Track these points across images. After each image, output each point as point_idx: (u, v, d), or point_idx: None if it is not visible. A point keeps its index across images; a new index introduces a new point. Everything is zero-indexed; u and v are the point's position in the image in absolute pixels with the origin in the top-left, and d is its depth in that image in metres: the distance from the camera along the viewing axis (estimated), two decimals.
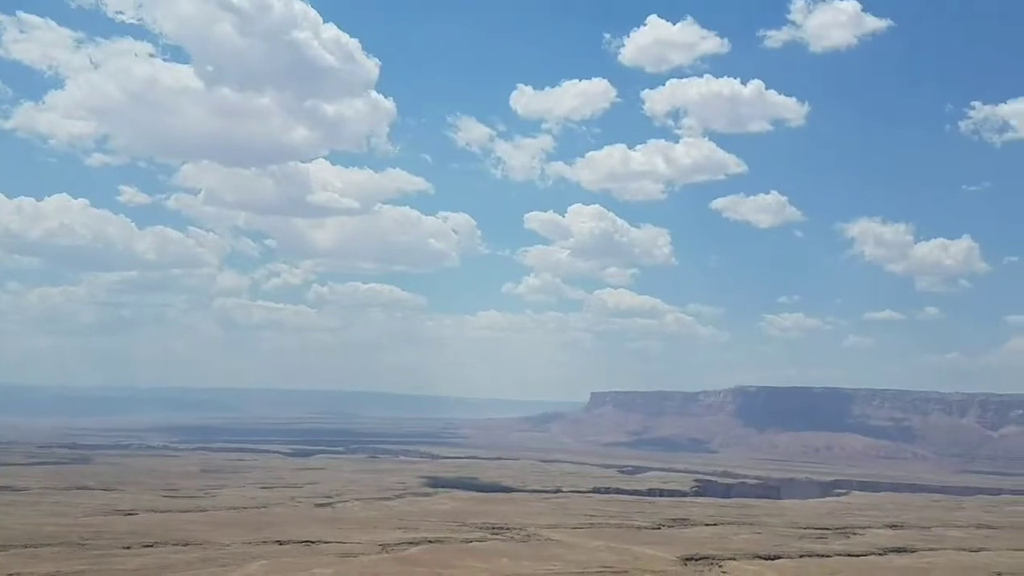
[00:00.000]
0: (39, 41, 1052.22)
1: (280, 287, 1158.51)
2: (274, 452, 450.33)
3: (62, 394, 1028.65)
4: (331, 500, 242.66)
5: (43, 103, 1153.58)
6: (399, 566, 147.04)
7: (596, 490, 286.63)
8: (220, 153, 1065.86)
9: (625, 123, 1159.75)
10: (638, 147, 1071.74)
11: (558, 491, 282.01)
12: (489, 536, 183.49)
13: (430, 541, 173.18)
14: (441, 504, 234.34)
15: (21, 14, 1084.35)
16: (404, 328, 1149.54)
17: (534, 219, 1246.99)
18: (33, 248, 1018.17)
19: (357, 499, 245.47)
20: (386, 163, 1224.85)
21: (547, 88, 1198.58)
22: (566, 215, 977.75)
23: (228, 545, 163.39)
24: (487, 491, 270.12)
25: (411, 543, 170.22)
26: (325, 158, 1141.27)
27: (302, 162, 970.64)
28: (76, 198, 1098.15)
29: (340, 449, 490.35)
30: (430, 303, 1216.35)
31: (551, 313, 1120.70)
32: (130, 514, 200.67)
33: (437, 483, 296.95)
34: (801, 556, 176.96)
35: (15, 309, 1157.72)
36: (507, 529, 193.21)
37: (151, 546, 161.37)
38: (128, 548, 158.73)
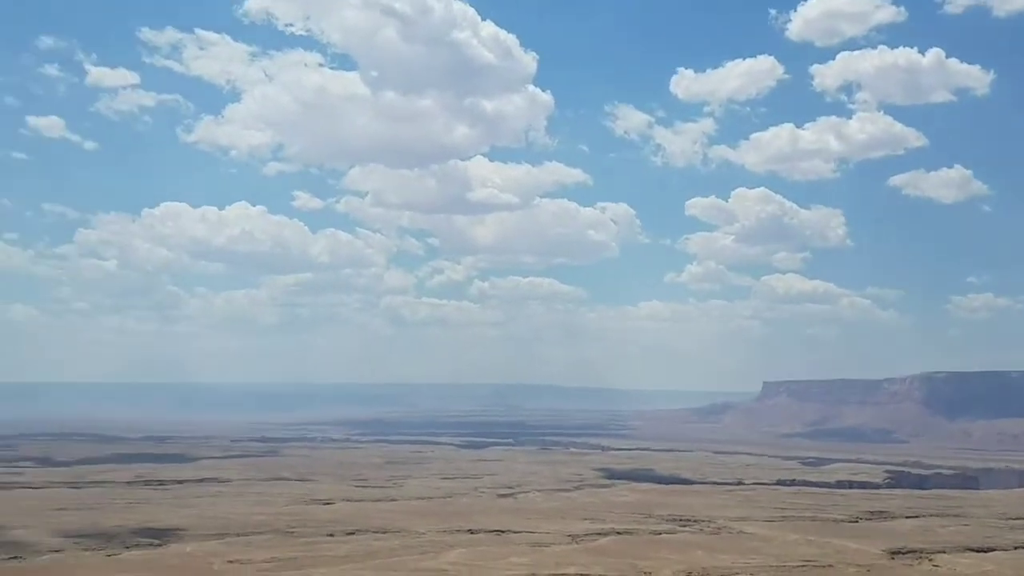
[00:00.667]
0: (217, 57, 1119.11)
1: (444, 284, 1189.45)
2: (448, 444, 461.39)
3: (247, 390, 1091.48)
4: (512, 491, 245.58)
5: (222, 116, 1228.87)
6: (592, 556, 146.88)
7: (780, 482, 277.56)
8: (385, 155, 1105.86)
9: (793, 101, 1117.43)
10: (807, 125, 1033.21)
11: (740, 483, 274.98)
12: (678, 528, 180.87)
13: (618, 532, 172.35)
14: (622, 496, 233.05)
15: (199, 31, 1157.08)
16: (565, 320, 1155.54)
17: (696, 205, 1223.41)
18: (217, 254, 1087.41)
19: (538, 490, 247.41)
20: (544, 156, 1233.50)
21: (709, 70, 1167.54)
22: (730, 200, 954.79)
23: (424, 533, 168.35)
24: (666, 483, 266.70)
25: (600, 534, 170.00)
26: (484, 155, 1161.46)
27: (461, 160, 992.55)
28: (255, 205, 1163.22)
29: (510, 441, 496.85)
30: (591, 295, 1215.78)
31: (716, 301, 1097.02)
32: (327, 503, 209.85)
33: (613, 475, 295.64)
34: (1016, 548, 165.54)
35: (203, 312, 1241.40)
36: (695, 521, 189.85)
37: (352, 534, 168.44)
38: (332, 535, 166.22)
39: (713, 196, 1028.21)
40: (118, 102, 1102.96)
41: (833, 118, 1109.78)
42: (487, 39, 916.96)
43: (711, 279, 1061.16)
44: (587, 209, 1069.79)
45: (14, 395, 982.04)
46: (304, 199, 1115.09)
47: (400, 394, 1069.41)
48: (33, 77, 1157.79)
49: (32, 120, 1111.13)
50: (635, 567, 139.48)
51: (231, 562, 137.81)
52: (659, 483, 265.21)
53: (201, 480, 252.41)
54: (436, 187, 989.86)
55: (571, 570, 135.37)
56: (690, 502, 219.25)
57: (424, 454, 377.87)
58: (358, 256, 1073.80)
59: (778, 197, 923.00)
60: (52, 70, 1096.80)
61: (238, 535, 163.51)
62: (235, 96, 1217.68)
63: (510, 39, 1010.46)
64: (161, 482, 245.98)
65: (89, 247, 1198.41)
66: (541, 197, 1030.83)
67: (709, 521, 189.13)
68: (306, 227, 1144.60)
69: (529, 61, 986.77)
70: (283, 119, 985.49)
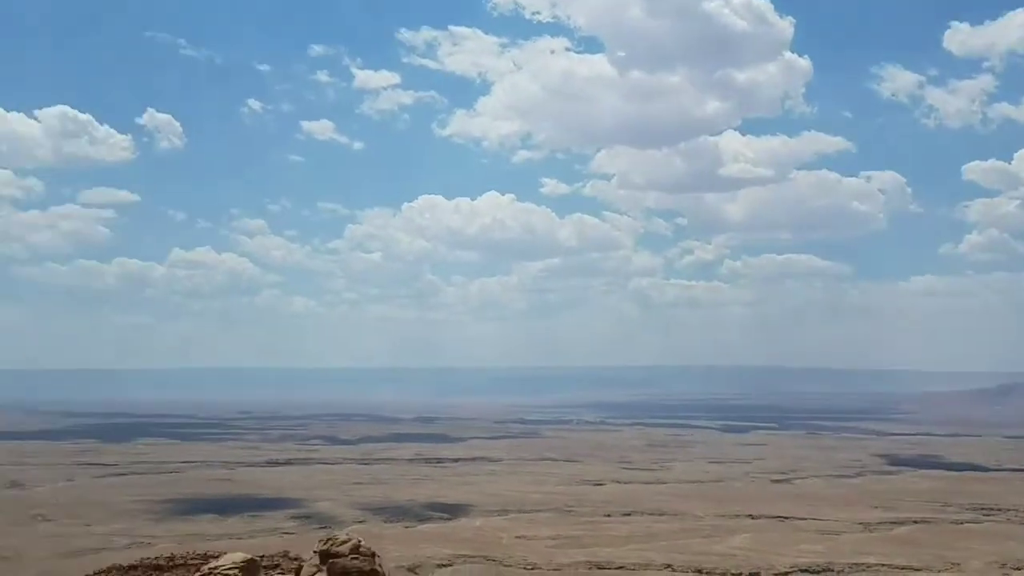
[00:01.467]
0: (469, 51, 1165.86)
1: (693, 264, 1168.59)
2: (707, 428, 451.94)
3: (500, 375, 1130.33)
4: (787, 476, 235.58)
5: (474, 109, 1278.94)
6: (891, 546, 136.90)
7: None
8: (632, 136, 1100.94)
9: None
10: None
11: None
12: (982, 517, 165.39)
13: (915, 521, 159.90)
14: (912, 483, 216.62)
15: (452, 28, 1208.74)
16: (825, 298, 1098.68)
17: (975, 169, 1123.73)
18: (471, 243, 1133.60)
19: (815, 476, 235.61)
20: (801, 126, 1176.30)
21: (987, 22, 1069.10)
22: (1013, 161, 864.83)
23: (702, 517, 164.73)
24: (958, 470, 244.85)
25: (895, 523, 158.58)
26: (736, 128, 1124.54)
27: (711, 136, 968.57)
28: (504, 194, 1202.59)
29: (773, 425, 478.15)
30: (855, 270, 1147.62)
31: (999, 273, 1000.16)
32: (598, 484, 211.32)
33: (896, 461, 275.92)
34: None
35: (460, 300, 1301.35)
36: (999, 510, 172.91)
37: (629, 515, 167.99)
38: (609, 516, 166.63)
39: (994, 159, 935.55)
40: (380, 102, 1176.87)
41: None
42: (739, 7, 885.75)
43: (994, 249, 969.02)
44: (849, 179, 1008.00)
45: (296, 380, 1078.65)
46: (551, 185, 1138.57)
47: (650, 377, 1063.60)
48: (306, 84, 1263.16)
49: (306, 124, 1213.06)
50: (941, 558, 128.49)
51: (518, 537, 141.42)
52: (950, 470, 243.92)
53: (474, 459, 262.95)
54: (684, 165, 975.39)
55: (870, 559, 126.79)
56: (990, 490, 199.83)
57: (684, 437, 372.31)
58: (605, 239, 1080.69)
59: None
60: (323, 76, 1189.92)
61: (519, 512, 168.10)
62: (486, 88, 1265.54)
63: (764, 5, 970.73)
64: (439, 460, 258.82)
65: (357, 241, 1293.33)
66: (798, 169, 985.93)
67: (1016, 510, 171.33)
68: (553, 213, 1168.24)
69: (785, 26, 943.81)
70: (531, 107, 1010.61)
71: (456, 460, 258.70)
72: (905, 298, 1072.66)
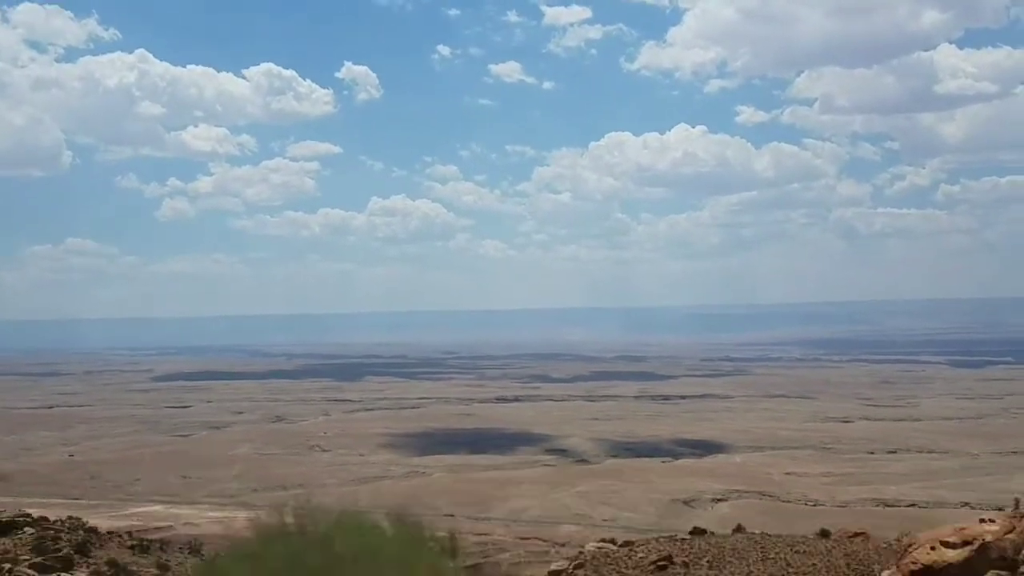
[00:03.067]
0: None
1: (905, 191, 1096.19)
2: (934, 363, 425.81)
3: (693, 312, 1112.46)
4: None
5: (664, 40, 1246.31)
6: None
7: None
8: (838, 56, 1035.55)
9: None
10: None
11: None
12: None
13: None
14: None
15: None
16: None
17: None
18: (661, 179, 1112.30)
19: None
20: None
21: None
22: None
23: (978, 455, 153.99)
24: None
25: None
26: (956, 42, 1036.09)
27: (925, 51, 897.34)
28: (694, 126, 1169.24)
29: (1009, 359, 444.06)
30: None
31: None
32: (846, 421, 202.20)
33: None
34: None
35: (649, 238, 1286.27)
36: None
37: (893, 452, 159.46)
38: (872, 453, 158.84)
39: None
40: (567, 39, 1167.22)
41: None
42: None
43: None
44: None
45: (492, 321, 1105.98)
46: (747, 113, 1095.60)
47: (856, 312, 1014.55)
48: (496, 25, 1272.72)
49: (494, 67, 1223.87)
50: None
51: (787, 474, 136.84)
52: None
53: (703, 396, 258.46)
54: (895, 84, 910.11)
55: None
56: None
57: (917, 373, 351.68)
58: (805, 168, 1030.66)
59: None
60: (512, 16, 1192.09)
61: (775, 448, 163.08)
62: (676, 17, 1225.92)
63: None
64: (665, 397, 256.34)
65: (545, 182, 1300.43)
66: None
67: None
68: (749, 144, 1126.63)
69: None
70: (725, 32, 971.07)
71: (684, 397, 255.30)
72: None
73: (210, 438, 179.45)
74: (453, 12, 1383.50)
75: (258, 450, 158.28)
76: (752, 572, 22.23)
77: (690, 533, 25.22)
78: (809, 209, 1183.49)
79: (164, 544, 37.43)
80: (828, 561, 22.96)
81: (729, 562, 22.67)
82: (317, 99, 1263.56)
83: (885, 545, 24.07)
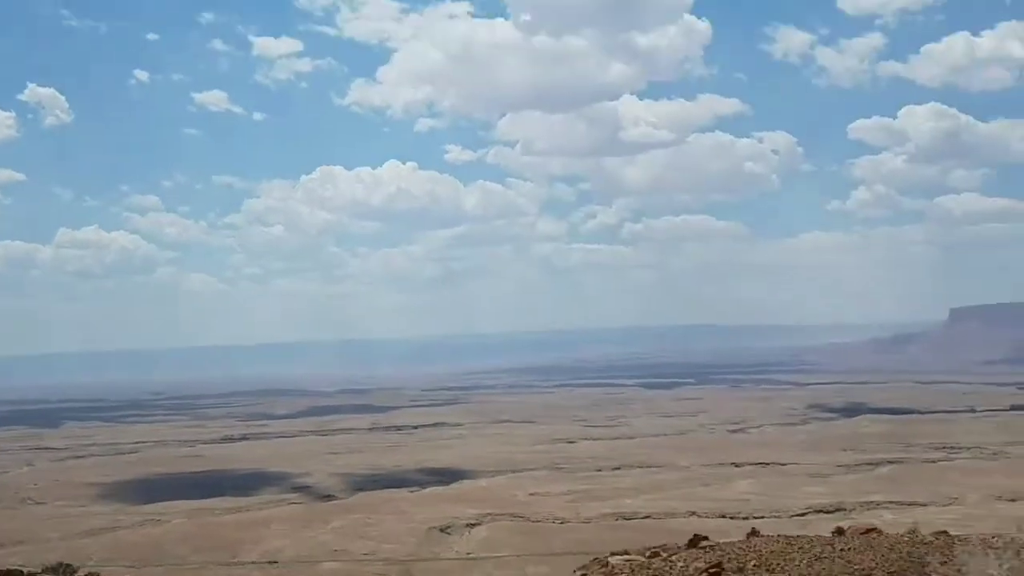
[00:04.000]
0: (368, 17, 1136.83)
1: (597, 228, 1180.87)
2: (630, 386, 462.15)
3: (411, 344, 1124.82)
4: (740, 426, 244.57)
5: (374, 78, 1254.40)
6: (884, 485, 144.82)
7: (1016, 407, 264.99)
8: (537, 101, 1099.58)
9: (970, 5, 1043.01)
10: (984, 32, 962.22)
11: (973, 410, 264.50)
12: (952, 455, 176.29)
13: (890, 462, 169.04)
14: (863, 427, 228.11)
15: None
16: (724, 258, 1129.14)
17: (861, 127, 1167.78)
18: (375, 213, 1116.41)
19: (766, 424, 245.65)
20: (699, 89, 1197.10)
21: None
22: (898, 118, 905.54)
23: (690, 467, 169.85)
24: (894, 414, 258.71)
25: (871, 463, 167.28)
26: (639, 92, 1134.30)
27: (610, 100, 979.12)
28: (405, 163, 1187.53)
29: (691, 380, 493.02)
30: (750, 230, 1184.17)
31: (885, 228, 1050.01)
32: (571, 442, 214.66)
33: (828, 408, 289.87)
34: None
35: (364, 271, 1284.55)
36: (962, 448, 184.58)
37: (618, 468, 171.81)
38: (600, 471, 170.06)
39: (878, 116, 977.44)
40: (276, 71, 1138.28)
41: (1014, 22, 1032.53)
42: None
43: (880, 204, 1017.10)
44: (744, 140, 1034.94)
45: (200, 359, 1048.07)
46: (455, 152, 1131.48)
47: (560, 341, 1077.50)
48: (198, 53, 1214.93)
49: (198, 96, 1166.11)
50: (937, 493, 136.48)
51: (532, 495, 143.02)
52: (889, 414, 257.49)
53: (435, 424, 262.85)
54: (586, 130, 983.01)
55: (876, 497, 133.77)
56: (941, 430, 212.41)
57: (618, 396, 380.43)
58: (510, 206, 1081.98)
59: (952, 111, 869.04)
60: (218, 44, 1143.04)
61: (514, 471, 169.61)
62: (386, 55, 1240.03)
63: None
64: (398, 427, 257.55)
65: (256, 214, 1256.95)
66: (697, 132, 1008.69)
67: (978, 447, 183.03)
68: (458, 181, 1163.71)
69: None
70: (433, 74, 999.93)
71: (416, 427, 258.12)
72: (796, 254, 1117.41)
73: None
74: (152, 36, 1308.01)
75: None
76: (815, 570, 22.13)
77: (689, 543, 24.64)
78: (514, 244, 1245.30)
79: None
80: (884, 556, 22.82)
81: (779, 564, 22.75)
82: None
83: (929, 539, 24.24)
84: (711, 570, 20.98)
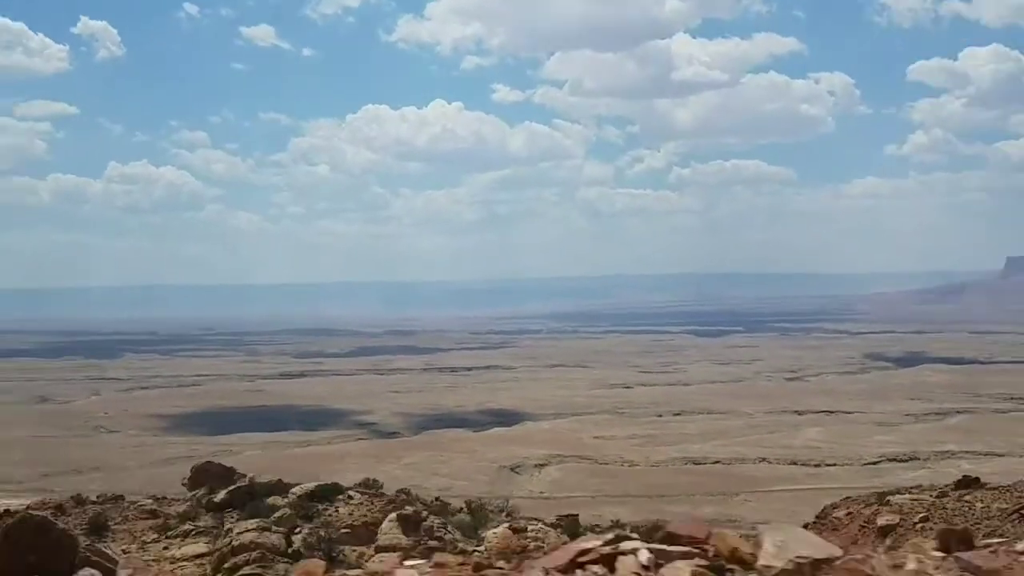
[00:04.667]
0: None
1: (644, 172, 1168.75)
2: (679, 333, 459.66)
3: (451, 288, 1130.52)
4: (797, 375, 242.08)
5: (423, 14, 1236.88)
6: (956, 435, 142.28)
7: None
8: (587, 39, 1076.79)
9: None
10: None
11: None
12: (1021, 405, 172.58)
13: (959, 412, 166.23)
14: (926, 376, 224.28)
15: None
16: (773, 204, 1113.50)
17: (921, 69, 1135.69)
18: (419, 154, 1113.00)
19: (824, 373, 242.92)
20: (756, 27, 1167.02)
21: None
22: (959, 59, 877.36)
23: (753, 415, 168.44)
24: (958, 363, 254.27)
25: (940, 413, 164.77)
26: (692, 30, 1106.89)
27: (662, 39, 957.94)
28: (451, 102, 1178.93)
29: (739, 328, 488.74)
30: (800, 175, 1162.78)
31: (940, 174, 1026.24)
32: (627, 387, 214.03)
33: (885, 357, 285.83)
34: None
35: (406, 213, 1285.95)
36: None
37: (679, 414, 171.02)
38: (660, 416, 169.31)
39: (939, 57, 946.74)
40: (323, 6, 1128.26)
41: None
42: None
43: (937, 149, 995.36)
44: (800, 81, 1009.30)
45: (245, 296, 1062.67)
46: (503, 92, 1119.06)
47: (602, 286, 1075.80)
48: None
49: (246, 30, 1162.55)
50: (1013, 443, 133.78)
51: (596, 438, 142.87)
52: (950, 364, 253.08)
53: (487, 367, 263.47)
54: (637, 70, 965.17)
55: (950, 447, 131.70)
56: (1007, 380, 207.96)
57: (669, 342, 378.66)
58: (556, 148, 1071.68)
59: (1015, 53, 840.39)
60: None
61: (575, 415, 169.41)
62: None
63: None
64: (452, 369, 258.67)
65: (301, 153, 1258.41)
66: (750, 73, 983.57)
67: None
68: (504, 122, 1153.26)
69: None
70: (482, 10, 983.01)
71: (470, 369, 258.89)
72: (847, 200, 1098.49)
73: None
74: None
75: (34, 433, 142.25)
76: None
77: (959, 484, 23.36)
78: (559, 188, 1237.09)
79: None
80: None
81: None
82: (50, 55, 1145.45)
83: None
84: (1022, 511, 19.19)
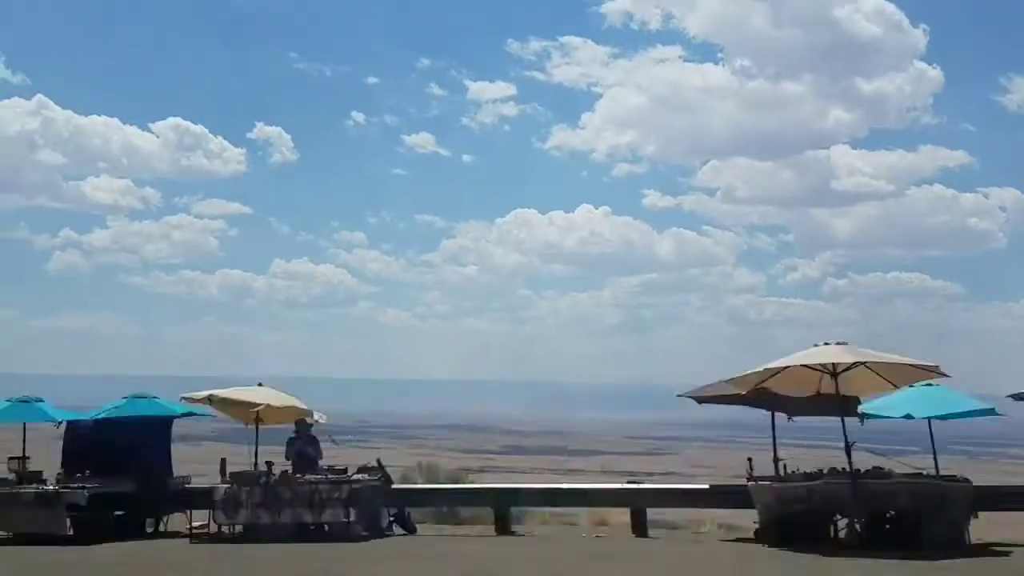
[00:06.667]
0: (579, 62, 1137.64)
1: (796, 281, 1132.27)
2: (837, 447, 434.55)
3: (595, 390, 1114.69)
4: None
5: (578, 122, 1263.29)
6: None
7: None
8: (743, 148, 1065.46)
9: None
10: None
11: None
12: None
13: None
14: None
15: (562, 38, 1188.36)
16: (936, 319, 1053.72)
17: None
18: (566, 257, 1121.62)
19: None
20: (922, 139, 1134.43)
21: None
22: None
23: None
24: None
25: None
26: (854, 141, 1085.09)
27: (823, 149, 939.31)
28: (598, 207, 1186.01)
29: (915, 448, 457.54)
30: (968, 290, 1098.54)
31: None
32: None
33: None
34: None
35: (549, 314, 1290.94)
36: None
37: None
38: None
39: None
40: (482, 114, 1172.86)
41: None
42: (871, 13, 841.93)
43: None
44: (968, 195, 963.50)
45: (391, 391, 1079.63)
46: (653, 197, 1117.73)
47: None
48: (413, 96, 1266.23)
49: (407, 138, 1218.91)
50: None
51: None
52: None
53: (666, 472, 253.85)
54: (794, 179, 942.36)
55: None
56: None
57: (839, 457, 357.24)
58: (704, 254, 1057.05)
59: None
60: (434, 88, 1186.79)
61: None
62: (591, 101, 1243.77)
63: (897, 12, 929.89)
64: (631, 473, 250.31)
65: (451, 253, 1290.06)
66: (915, 184, 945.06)
67: None
68: (651, 228, 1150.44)
69: (919, 35, 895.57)
70: (638, 119, 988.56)
71: (650, 474, 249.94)
72: (1018, 320, 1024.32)
73: None
74: (372, 80, 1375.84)
75: None
76: None
77: None
78: (706, 293, 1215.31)
79: None
80: None
81: None
82: (229, 157, 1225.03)
83: None
84: None
